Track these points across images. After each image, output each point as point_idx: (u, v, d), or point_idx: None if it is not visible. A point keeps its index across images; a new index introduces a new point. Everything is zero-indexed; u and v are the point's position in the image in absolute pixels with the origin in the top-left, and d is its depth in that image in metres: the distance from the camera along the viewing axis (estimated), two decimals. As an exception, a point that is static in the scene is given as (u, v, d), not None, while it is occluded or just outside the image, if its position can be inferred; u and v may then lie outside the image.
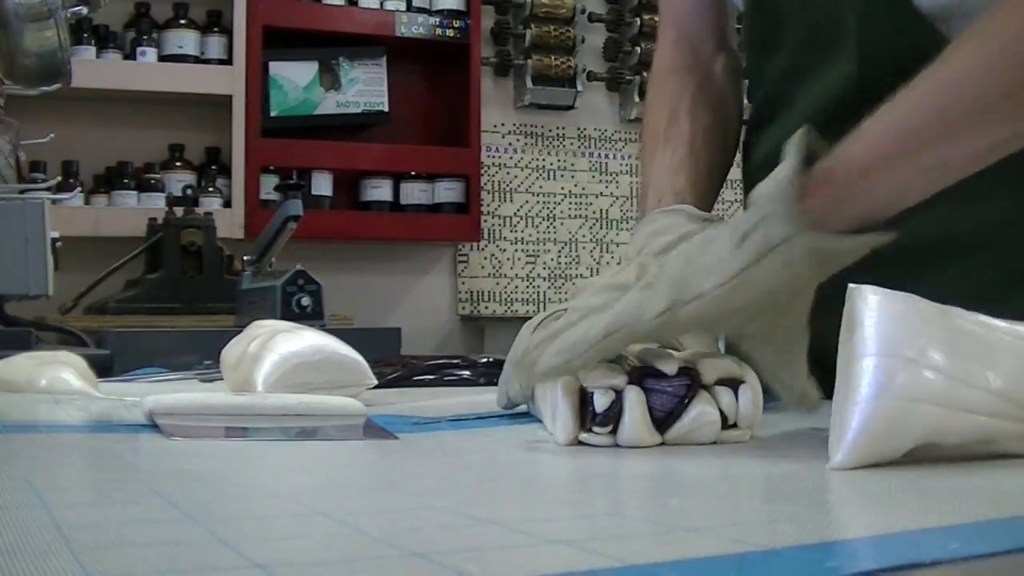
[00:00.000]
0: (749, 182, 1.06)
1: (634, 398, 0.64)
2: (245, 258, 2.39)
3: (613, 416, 0.64)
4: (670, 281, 0.67)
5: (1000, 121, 0.71)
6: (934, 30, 0.86)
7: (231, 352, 0.94)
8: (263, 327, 0.95)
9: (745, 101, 1.09)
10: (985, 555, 0.35)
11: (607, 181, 3.73)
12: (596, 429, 0.64)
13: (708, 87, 1.05)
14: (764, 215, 0.66)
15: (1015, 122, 0.71)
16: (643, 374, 0.65)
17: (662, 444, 0.65)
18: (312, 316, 2.11)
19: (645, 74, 3.53)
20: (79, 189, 2.73)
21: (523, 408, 0.80)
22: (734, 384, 0.66)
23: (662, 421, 0.64)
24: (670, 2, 1.11)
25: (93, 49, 3.00)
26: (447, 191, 3.36)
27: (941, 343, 0.55)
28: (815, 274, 0.67)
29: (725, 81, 1.07)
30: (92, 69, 2.87)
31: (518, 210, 3.61)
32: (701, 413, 0.64)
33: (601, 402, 0.64)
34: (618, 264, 0.91)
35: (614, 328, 0.66)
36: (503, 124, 3.59)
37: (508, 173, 3.59)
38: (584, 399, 0.65)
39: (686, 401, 0.64)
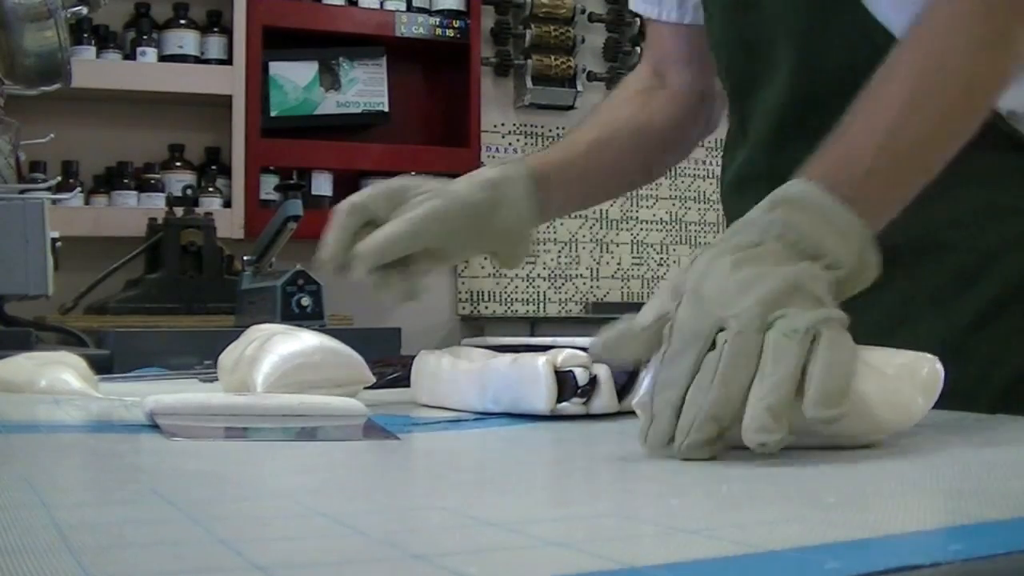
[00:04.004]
0: (724, 201, 1.10)
1: (604, 373, 0.78)
2: (245, 258, 2.39)
3: (588, 389, 0.78)
4: None
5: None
6: (879, 27, 0.88)
7: (228, 356, 0.94)
8: (260, 331, 0.95)
9: None
10: (986, 557, 0.35)
11: (607, 181, 3.72)
12: (575, 400, 0.77)
13: (638, 109, 1.11)
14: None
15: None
16: None
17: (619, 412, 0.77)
18: (312, 316, 2.11)
19: (645, 74, 3.53)
20: (79, 189, 2.73)
21: (526, 409, 0.80)
22: None
23: (620, 391, 0.78)
24: (651, 40, 1.17)
25: (93, 49, 3.00)
26: (447, 191, 3.36)
27: None
28: None
29: (667, 108, 1.12)
30: (92, 69, 2.87)
31: (518, 210, 3.61)
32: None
33: (581, 377, 0.77)
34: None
35: None
36: (503, 124, 3.59)
37: (508, 173, 3.59)
38: (562, 377, 0.77)
39: (639, 374, 0.73)
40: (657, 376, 0.61)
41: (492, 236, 0.96)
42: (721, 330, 0.60)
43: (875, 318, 0.88)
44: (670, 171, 3.98)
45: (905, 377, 0.61)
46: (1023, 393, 0.87)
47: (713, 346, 0.60)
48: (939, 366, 0.62)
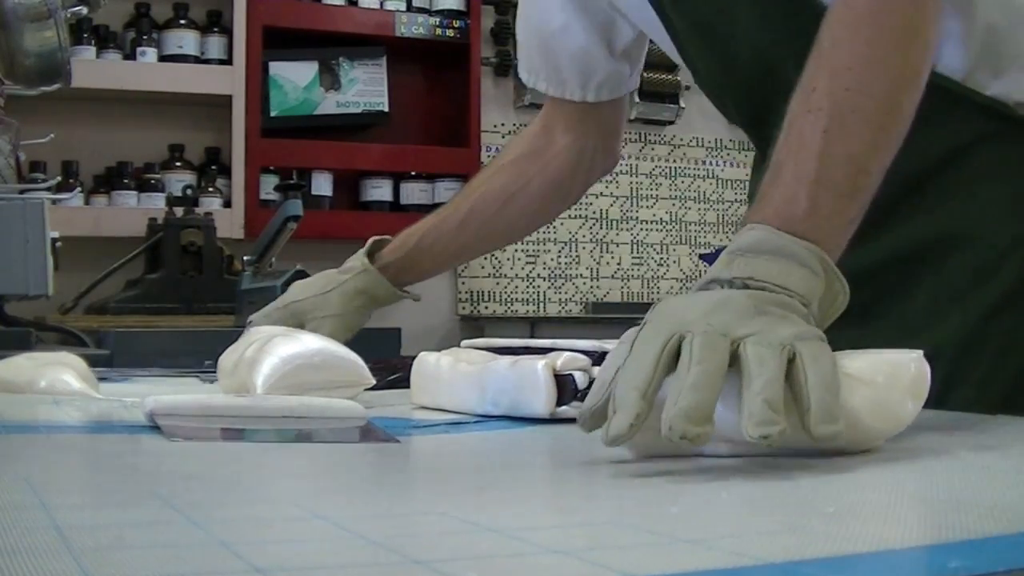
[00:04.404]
0: None
1: None
2: (245, 258, 2.38)
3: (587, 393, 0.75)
4: None
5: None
6: None
7: (228, 358, 0.95)
8: (260, 332, 0.95)
9: None
10: (985, 574, 0.34)
11: (607, 181, 3.73)
12: (575, 404, 0.76)
13: (513, 178, 1.27)
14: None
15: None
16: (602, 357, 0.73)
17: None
18: (312, 316, 2.11)
19: (645, 74, 3.53)
20: (79, 189, 2.73)
21: (525, 412, 0.80)
22: None
23: None
24: (549, 105, 1.27)
25: (93, 49, 3.00)
26: (447, 191, 3.36)
27: None
28: None
29: (547, 171, 1.26)
30: (92, 69, 2.87)
31: (518, 210, 3.60)
32: None
33: (581, 381, 0.76)
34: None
35: None
36: (503, 124, 3.59)
37: (508, 173, 3.59)
38: (561, 380, 0.77)
39: None
40: (618, 375, 0.58)
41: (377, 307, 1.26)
42: (683, 339, 0.58)
43: (905, 317, 0.89)
44: (670, 171, 3.98)
45: (893, 384, 0.60)
46: None
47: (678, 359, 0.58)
48: (925, 365, 0.61)
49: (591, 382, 0.77)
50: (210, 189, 3.09)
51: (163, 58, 3.07)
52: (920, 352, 0.62)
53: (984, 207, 0.90)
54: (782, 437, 0.54)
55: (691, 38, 1.02)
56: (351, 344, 0.93)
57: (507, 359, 0.82)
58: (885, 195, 0.74)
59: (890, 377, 0.60)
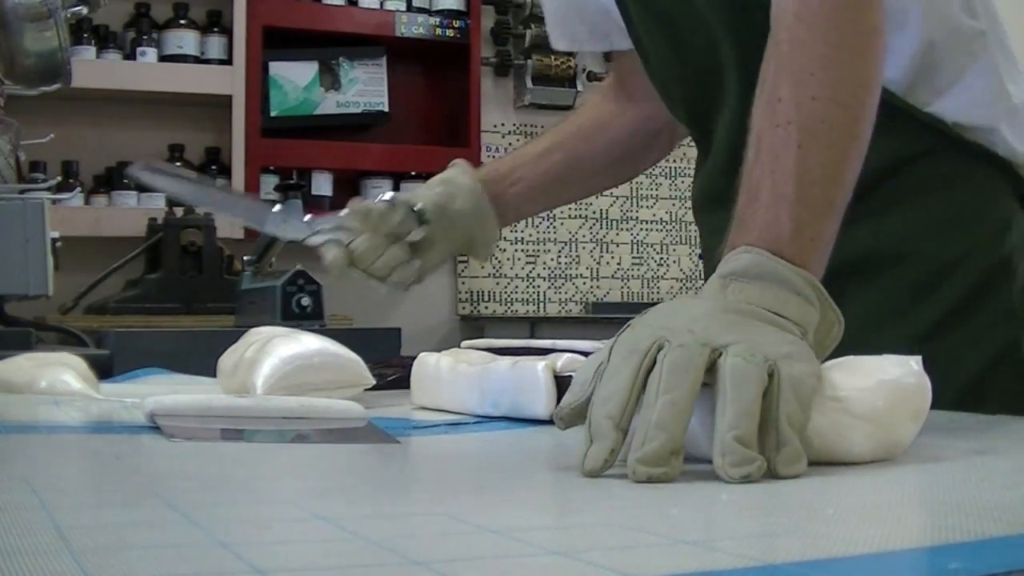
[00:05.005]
0: (695, 217, 1.16)
1: None
2: (245, 258, 2.38)
3: None
4: None
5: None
6: None
7: (228, 359, 0.95)
8: (260, 333, 0.95)
9: None
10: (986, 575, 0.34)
11: (607, 182, 3.72)
12: None
13: (601, 122, 1.22)
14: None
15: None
16: None
17: None
18: (312, 316, 2.11)
19: (645, 75, 3.53)
20: (79, 189, 2.72)
21: (525, 413, 0.80)
22: None
23: None
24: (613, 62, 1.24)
25: (93, 49, 3.00)
26: (447, 191, 3.35)
27: None
28: None
29: (622, 120, 1.22)
30: (92, 69, 2.87)
31: (518, 210, 3.60)
32: None
33: None
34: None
35: None
36: (503, 124, 3.59)
37: (508, 173, 3.58)
38: (561, 382, 0.76)
39: None
40: (595, 394, 0.58)
41: (459, 225, 1.10)
42: (660, 349, 0.57)
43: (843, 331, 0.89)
44: (670, 171, 3.98)
45: (893, 411, 0.59)
46: (979, 396, 0.87)
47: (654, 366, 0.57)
48: (925, 379, 0.60)
49: None
50: (210, 189, 3.09)
51: (163, 58, 3.07)
52: (919, 362, 0.60)
53: (919, 224, 0.90)
54: (761, 471, 0.53)
55: (644, 19, 1.01)
56: (351, 344, 0.93)
57: (507, 360, 0.82)
58: None
59: (890, 402, 0.59)
